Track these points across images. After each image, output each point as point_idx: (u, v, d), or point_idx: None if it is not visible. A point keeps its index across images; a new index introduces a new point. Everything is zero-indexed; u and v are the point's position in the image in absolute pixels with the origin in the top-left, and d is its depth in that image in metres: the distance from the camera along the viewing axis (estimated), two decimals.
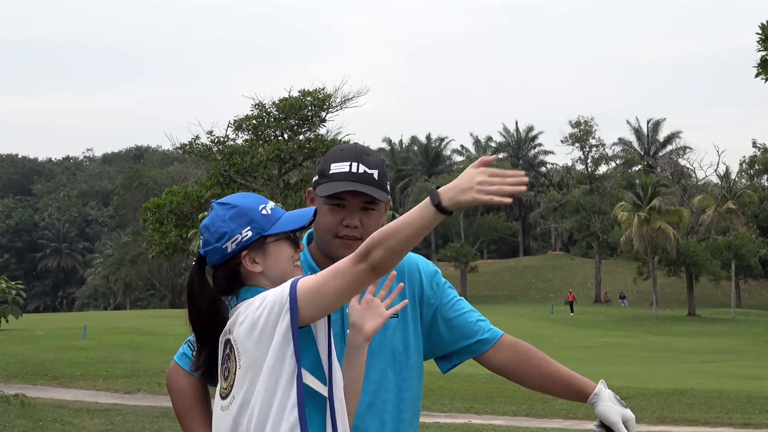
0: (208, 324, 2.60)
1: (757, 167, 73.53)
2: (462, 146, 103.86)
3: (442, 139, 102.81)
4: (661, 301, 68.49)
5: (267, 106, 33.14)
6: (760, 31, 14.15)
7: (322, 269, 2.76)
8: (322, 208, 2.76)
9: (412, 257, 2.97)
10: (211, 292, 2.60)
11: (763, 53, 14.48)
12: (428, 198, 2.37)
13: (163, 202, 29.47)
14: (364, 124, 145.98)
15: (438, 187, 2.40)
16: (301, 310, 2.40)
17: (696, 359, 33.30)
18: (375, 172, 2.77)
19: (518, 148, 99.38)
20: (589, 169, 77.31)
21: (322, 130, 33.94)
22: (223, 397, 2.52)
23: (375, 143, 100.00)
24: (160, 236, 28.74)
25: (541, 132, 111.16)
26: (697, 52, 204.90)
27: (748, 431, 13.93)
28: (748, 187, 70.44)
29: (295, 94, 33.05)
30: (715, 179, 71.74)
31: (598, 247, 75.36)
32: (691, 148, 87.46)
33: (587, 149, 76.74)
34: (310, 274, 2.78)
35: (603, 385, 2.89)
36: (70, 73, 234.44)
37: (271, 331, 2.41)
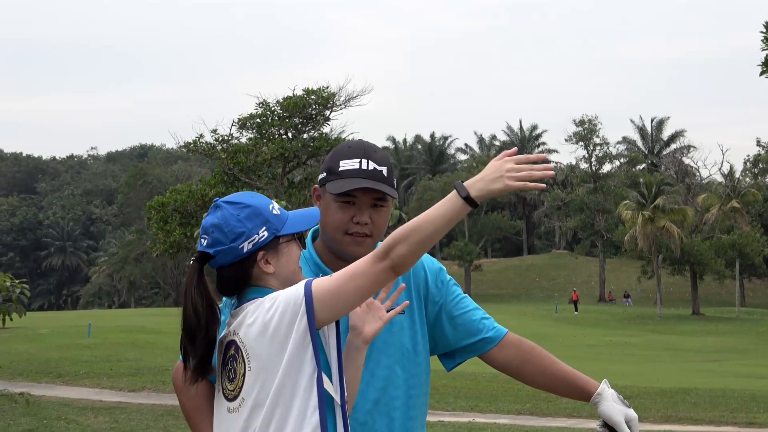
0: (202, 325, 2.55)
1: (761, 166, 73.36)
2: (466, 144, 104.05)
3: (446, 138, 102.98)
4: (665, 300, 68.41)
5: (271, 105, 33.13)
6: (765, 30, 14.14)
7: (328, 266, 2.77)
8: (332, 205, 2.74)
9: None
10: (209, 292, 2.55)
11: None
12: (454, 192, 2.39)
13: (167, 200, 29.42)
14: (366, 123, 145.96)
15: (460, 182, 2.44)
16: (318, 312, 2.38)
17: (700, 358, 33.27)
18: (384, 169, 2.76)
19: (522, 147, 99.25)
20: (593, 168, 77.22)
21: (326, 129, 33.93)
22: (230, 399, 2.49)
23: (378, 142, 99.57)
24: (164, 234, 28.69)
25: (545, 131, 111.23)
26: (697, 52, 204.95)
27: (752, 430, 13.92)
28: (752, 185, 70.27)
29: (299, 92, 33.06)
30: (719, 178, 71.74)
31: (602, 245, 75.21)
32: (695, 147, 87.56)
33: (591, 148, 76.69)
34: (316, 271, 2.78)
35: (606, 384, 2.89)
36: (70, 73, 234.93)
37: (285, 333, 2.38)
